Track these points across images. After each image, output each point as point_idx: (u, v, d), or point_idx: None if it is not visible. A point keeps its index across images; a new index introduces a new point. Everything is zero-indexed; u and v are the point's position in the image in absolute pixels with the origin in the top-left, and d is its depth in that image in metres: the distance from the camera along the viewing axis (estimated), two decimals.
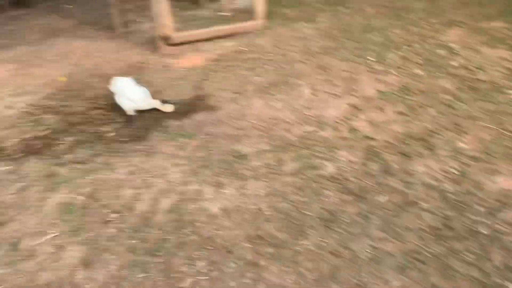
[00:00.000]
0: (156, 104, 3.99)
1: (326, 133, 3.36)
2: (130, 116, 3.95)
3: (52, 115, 4.28)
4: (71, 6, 8.78)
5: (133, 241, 2.52)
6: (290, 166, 3.02)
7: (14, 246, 2.56)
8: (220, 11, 7.54)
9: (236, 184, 2.89)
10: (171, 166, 3.17)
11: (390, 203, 2.71)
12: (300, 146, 3.23)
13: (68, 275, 2.32)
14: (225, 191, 2.84)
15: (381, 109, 3.64)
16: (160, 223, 2.63)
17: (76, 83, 5.11)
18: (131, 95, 3.90)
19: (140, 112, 4.03)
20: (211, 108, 3.98)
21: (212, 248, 2.45)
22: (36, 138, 3.85)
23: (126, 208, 2.79)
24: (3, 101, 4.83)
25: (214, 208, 2.70)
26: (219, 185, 2.90)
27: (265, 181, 2.89)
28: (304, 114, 3.66)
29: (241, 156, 3.17)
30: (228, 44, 5.81)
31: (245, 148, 3.27)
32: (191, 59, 5.39)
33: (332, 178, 2.89)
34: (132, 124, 3.85)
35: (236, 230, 2.54)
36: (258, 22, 6.23)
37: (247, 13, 7.21)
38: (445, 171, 2.91)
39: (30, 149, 3.66)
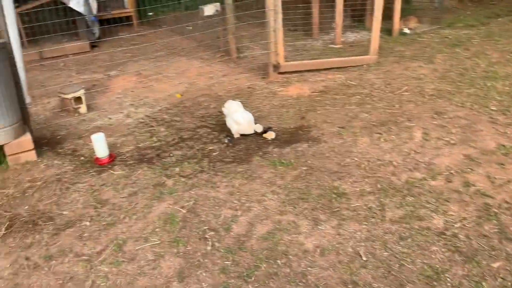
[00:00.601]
0: (259, 129, 4.08)
1: (437, 183, 3.14)
2: (235, 138, 4.09)
3: (165, 128, 4.59)
4: (191, 28, 9.47)
5: (227, 262, 2.55)
6: (394, 212, 2.86)
7: (119, 247, 2.74)
8: (332, 44, 7.58)
9: (333, 222, 2.81)
10: (269, 193, 3.19)
11: (504, 271, 2.42)
12: (406, 192, 3.05)
13: (163, 284, 2.41)
14: (321, 227, 2.77)
15: (502, 166, 3.32)
16: (253, 249, 2.63)
17: (189, 100, 5.45)
18: (238, 118, 4.04)
19: (244, 135, 4.15)
20: (314, 140, 3.96)
21: (303, 285, 2.39)
22: (149, 148, 4.15)
23: (223, 227, 2.85)
24: (125, 110, 5.30)
25: (309, 243, 2.65)
26: (316, 221, 2.84)
27: (365, 224, 2.76)
28: (414, 159, 3.47)
29: (342, 194, 3.09)
30: (337, 76, 5.79)
31: (346, 186, 3.18)
32: (298, 89, 5.46)
33: (439, 233, 2.67)
34: (236, 147, 3.97)
35: (330, 271, 2.45)
36: (370, 57, 6.13)
37: (359, 46, 7.16)
38: None
39: (143, 158, 3.95)
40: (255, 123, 4.13)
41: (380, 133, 3.94)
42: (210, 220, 2.94)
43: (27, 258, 2.71)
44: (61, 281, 2.49)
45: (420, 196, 2.99)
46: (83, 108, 5.37)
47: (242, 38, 8.47)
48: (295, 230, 2.77)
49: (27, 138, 4.01)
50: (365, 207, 2.92)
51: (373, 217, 2.81)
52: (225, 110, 4.22)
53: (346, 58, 6.22)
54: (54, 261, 2.67)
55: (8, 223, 3.07)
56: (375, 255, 2.52)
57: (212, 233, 2.81)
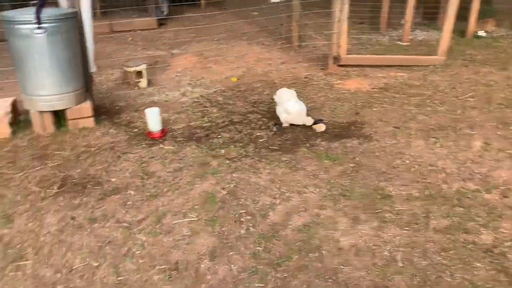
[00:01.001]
0: (309, 122, 4.01)
1: (491, 197, 2.94)
2: (284, 127, 4.05)
3: (217, 110, 4.64)
4: (256, 13, 9.47)
5: (258, 248, 2.54)
6: (439, 221, 2.71)
7: (159, 219, 2.82)
8: (399, 41, 7.28)
9: (374, 224, 2.71)
10: (311, 185, 3.14)
11: None
12: (456, 203, 2.88)
13: (194, 261, 2.46)
14: (360, 227, 2.68)
15: None
16: (287, 239, 2.61)
17: (244, 85, 5.47)
18: (289, 108, 3.99)
19: (293, 125, 4.10)
20: (365, 137, 3.83)
21: (332, 281, 2.33)
22: (199, 127, 4.22)
23: (260, 213, 2.84)
24: (182, 88, 5.42)
25: (345, 241, 2.58)
26: (355, 220, 2.76)
27: (406, 230, 2.65)
28: (469, 168, 3.26)
29: (386, 196, 2.97)
30: (399, 74, 5.56)
31: (392, 188, 3.05)
32: (356, 83, 5.30)
33: (486, 249, 2.50)
34: (284, 135, 3.93)
35: (362, 272, 2.37)
36: (437, 58, 5.82)
37: (427, 46, 6.82)
38: None
39: (192, 136, 4.02)
40: (307, 115, 4.06)
41: (436, 138, 3.74)
42: (248, 205, 2.95)
43: (72, 218, 2.86)
44: (100, 243, 2.61)
45: (470, 208, 2.81)
46: (143, 83, 5.56)
47: (306, 27, 8.35)
48: (332, 226, 2.70)
49: (87, 105, 4.21)
50: (409, 212, 2.80)
51: (416, 224, 2.68)
52: (276, 98, 4.18)
53: (412, 57, 5.95)
54: (96, 224, 2.80)
55: (60, 183, 3.26)
56: (413, 262, 2.41)
57: (249, 217, 2.82)
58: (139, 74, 5.51)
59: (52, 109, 4.06)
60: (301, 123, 4.04)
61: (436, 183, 3.08)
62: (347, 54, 5.98)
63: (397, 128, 3.97)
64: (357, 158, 3.47)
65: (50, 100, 4.00)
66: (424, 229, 2.64)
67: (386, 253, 2.48)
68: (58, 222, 2.82)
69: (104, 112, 4.71)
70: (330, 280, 2.33)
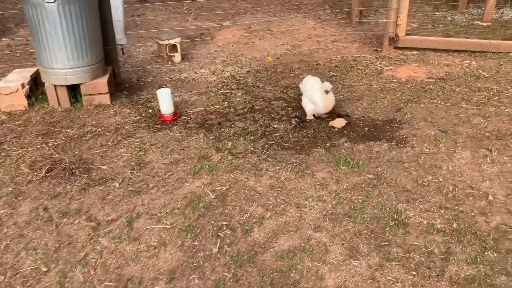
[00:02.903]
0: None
1: None
2: (306, 120, 3.52)
3: (242, 93, 4.20)
4: None
5: (226, 274, 2.14)
6: (460, 268, 2.09)
7: (130, 221, 2.52)
8: (479, 20, 6.21)
9: (374, 259, 2.17)
10: (314, 197, 2.63)
11: None
12: (491, 244, 2.22)
13: (149, 280, 2.12)
14: (355, 263, 2.16)
15: None
16: (263, 266, 2.17)
17: (282, 65, 4.94)
18: (314, 98, 3.44)
19: (318, 119, 3.55)
20: (399, 141, 3.19)
21: None
22: (216, 112, 3.82)
23: (243, 228, 2.42)
24: (214, 66, 5.03)
25: (331, 279, 2.08)
26: (352, 251, 2.23)
27: (413, 274, 2.07)
28: None
29: (401, 224, 2.38)
30: (467, 62, 4.68)
31: (412, 214, 2.45)
32: (410, 70, 4.54)
33: None
34: (304, 131, 3.41)
35: None
36: None
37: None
38: None
39: (204, 123, 3.65)
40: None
41: (489, 150, 3.00)
42: (234, 215, 2.53)
43: (45, 209, 2.65)
44: (59, 244, 2.36)
45: (507, 255, 2.14)
46: (177, 57, 5.25)
47: (372, 0, 7.47)
48: (321, 256, 2.21)
49: (102, 81, 3.99)
50: (424, 249, 2.20)
51: (429, 268, 2.09)
52: (301, 86, 3.63)
53: (487, 41, 4.98)
54: (66, 219, 2.56)
55: (50, 166, 3.07)
56: None
57: (229, 231, 2.41)
58: (174, 47, 5.20)
59: (65, 83, 3.88)
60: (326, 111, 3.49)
61: (471, 214, 2.41)
62: (408, 34, 5.17)
63: (443, 132, 3.27)
64: (380, 168, 2.87)
65: (64, 74, 3.82)
66: (438, 277, 2.05)
67: None
68: (30, 212, 2.62)
69: (127, 88, 4.49)
70: None
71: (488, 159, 2.89)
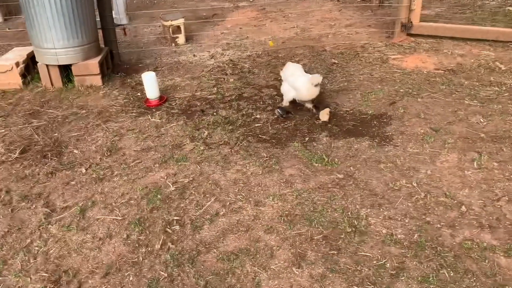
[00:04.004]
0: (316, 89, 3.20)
1: (506, 263, 1.98)
2: (290, 111, 3.33)
3: (235, 79, 4.06)
4: None
5: (162, 273, 2.05)
6: (409, 285, 1.90)
7: (84, 210, 2.48)
8: None
9: (318, 269, 2.01)
10: (276, 196, 2.49)
11: None
12: (449, 262, 1.99)
13: (84, 274, 2.07)
14: (297, 271, 2.01)
15: None
16: (202, 268, 2.06)
17: (285, 50, 4.74)
18: (296, 82, 3.23)
19: (304, 110, 3.36)
20: (383, 138, 2.97)
21: None
22: (202, 99, 3.71)
23: (193, 224, 2.32)
24: (214, 49, 4.89)
25: (268, 286, 1.95)
26: (298, 258, 2.08)
27: None
28: (500, 209, 2.27)
29: (359, 231, 2.20)
30: (484, 53, 4.31)
31: (374, 221, 2.26)
32: (419, 60, 4.23)
33: None
34: (285, 122, 3.24)
35: None
36: None
37: None
38: None
39: (188, 109, 3.55)
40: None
41: (479, 153, 2.72)
42: (189, 210, 2.43)
43: (7, 191, 2.66)
44: (8, 229, 2.36)
45: (464, 276, 1.93)
46: (181, 39, 5.15)
47: None
48: (264, 261, 2.08)
49: (94, 62, 3.95)
50: (375, 261, 2.02)
51: (374, 284, 1.92)
52: (282, 73, 3.44)
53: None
54: (24, 203, 2.56)
55: (24, 147, 3.08)
56: None
57: (177, 227, 2.32)
58: (178, 29, 5.10)
59: (56, 63, 3.88)
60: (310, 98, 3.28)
61: (437, 225, 2.19)
62: (427, 20, 4.82)
63: (434, 131, 3.01)
64: (353, 168, 2.68)
65: (54, 53, 3.82)
66: None
67: None
68: None
69: (124, 69, 4.45)
70: None
71: (475, 164, 2.63)
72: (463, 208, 2.28)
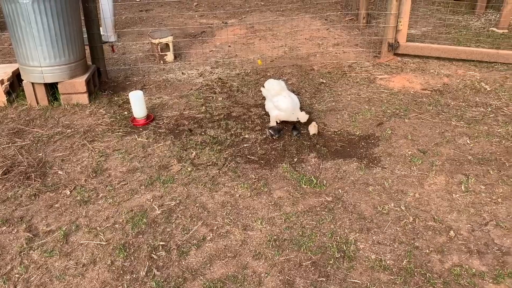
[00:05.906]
0: (304, 118, 3.26)
1: None
2: (278, 130, 3.33)
3: (223, 98, 4.04)
4: None
5: None
6: None
7: (68, 234, 2.42)
8: (495, 26, 5.82)
9: None
10: (265, 219, 2.46)
11: None
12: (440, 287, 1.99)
13: None
14: None
15: None
16: None
17: (274, 69, 4.76)
18: (279, 102, 3.24)
19: (290, 127, 3.36)
20: (371, 160, 2.97)
21: None
22: (190, 118, 3.69)
23: (180, 250, 2.27)
24: (203, 67, 4.89)
25: None
26: (286, 286, 2.04)
27: None
28: (488, 235, 2.27)
29: (347, 257, 2.18)
30: (469, 74, 4.37)
31: (363, 246, 2.24)
32: (406, 80, 4.27)
33: None
34: (274, 143, 3.22)
35: None
36: None
37: None
38: None
39: (175, 129, 3.52)
40: (302, 111, 3.32)
41: (466, 175, 2.73)
42: (175, 235, 2.39)
43: None
44: None
45: None
46: (169, 56, 5.13)
47: (381, 2, 7.14)
48: None
49: (80, 80, 3.91)
50: None
51: None
52: (264, 91, 3.44)
53: (496, 51, 4.63)
54: (5, 227, 2.49)
55: (6, 168, 3.01)
56: None
57: (163, 253, 2.27)
58: (167, 46, 5.09)
59: (42, 81, 3.83)
60: (295, 119, 3.31)
61: (426, 250, 2.18)
62: (414, 40, 4.89)
63: (421, 152, 3.02)
64: (342, 190, 2.67)
65: (40, 71, 3.77)
66: None
67: None
68: None
69: (112, 87, 4.41)
70: None
71: (462, 187, 2.63)
72: (452, 233, 2.27)
